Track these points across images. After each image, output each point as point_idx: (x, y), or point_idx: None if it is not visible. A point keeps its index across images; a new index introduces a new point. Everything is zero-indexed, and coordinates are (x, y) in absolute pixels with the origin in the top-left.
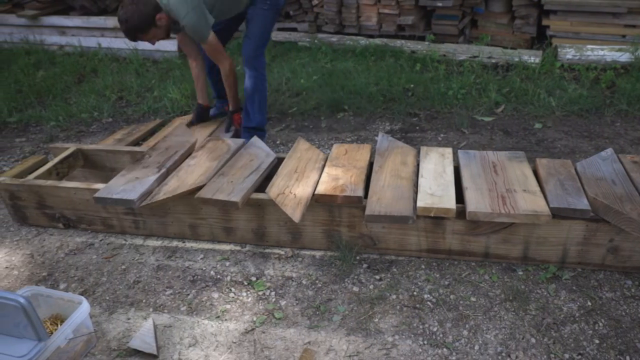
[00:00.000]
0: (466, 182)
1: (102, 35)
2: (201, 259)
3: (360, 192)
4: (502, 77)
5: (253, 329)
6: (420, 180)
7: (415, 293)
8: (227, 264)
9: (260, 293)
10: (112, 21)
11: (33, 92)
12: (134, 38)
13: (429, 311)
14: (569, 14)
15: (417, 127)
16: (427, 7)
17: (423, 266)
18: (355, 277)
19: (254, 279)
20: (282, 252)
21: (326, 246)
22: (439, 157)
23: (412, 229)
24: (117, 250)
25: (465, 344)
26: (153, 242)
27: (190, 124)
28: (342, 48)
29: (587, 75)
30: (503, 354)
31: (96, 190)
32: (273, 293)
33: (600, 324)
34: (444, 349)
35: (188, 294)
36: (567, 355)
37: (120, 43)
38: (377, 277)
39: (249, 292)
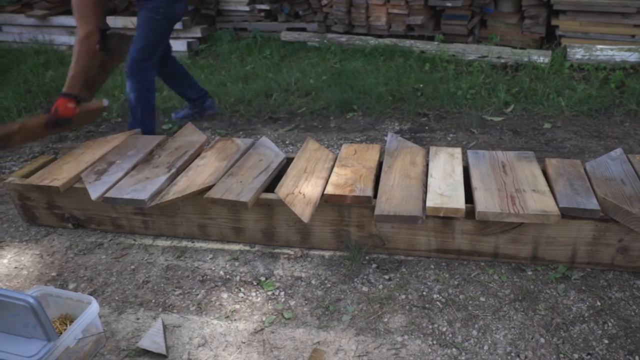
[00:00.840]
0: (475, 182)
1: None
2: (210, 259)
3: (369, 192)
4: (511, 77)
5: (262, 329)
6: (430, 180)
7: (424, 293)
8: (237, 264)
9: (270, 293)
10: (121, 21)
11: (42, 92)
12: None
13: (438, 311)
14: (578, 14)
15: (427, 127)
16: (436, 7)
17: (432, 266)
18: (365, 277)
19: (263, 279)
20: (292, 252)
21: (335, 246)
22: (448, 157)
23: (422, 229)
24: (126, 250)
25: (474, 344)
26: (162, 242)
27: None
28: (352, 48)
29: (596, 75)
30: (512, 354)
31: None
32: (282, 293)
33: (610, 324)
34: (453, 349)
35: (197, 294)
36: (576, 355)
37: None
38: (387, 277)
39: (258, 292)
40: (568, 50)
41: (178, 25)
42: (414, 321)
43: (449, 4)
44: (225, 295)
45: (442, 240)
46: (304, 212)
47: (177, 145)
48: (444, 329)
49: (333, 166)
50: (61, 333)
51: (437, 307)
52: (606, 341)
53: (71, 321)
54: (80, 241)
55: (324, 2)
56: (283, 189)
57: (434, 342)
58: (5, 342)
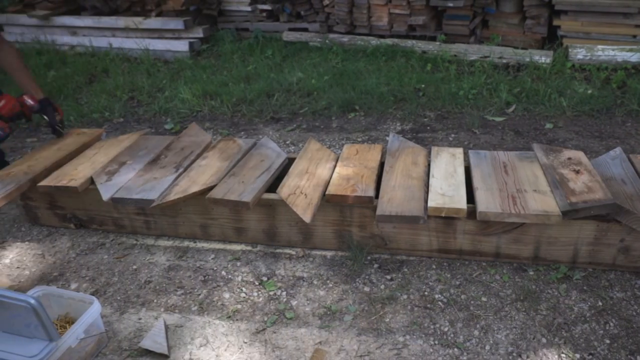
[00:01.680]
0: (477, 182)
1: (113, 36)
2: (212, 259)
3: (371, 192)
4: (513, 77)
5: (264, 329)
6: (431, 181)
7: (426, 293)
8: (238, 264)
9: (272, 293)
10: (123, 21)
11: (44, 92)
12: None
13: (440, 311)
14: (580, 14)
15: (428, 127)
16: (438, 7)
17: (434, 266)
18: (366, 277)
19: (265, 279)
20: (293, 252)
21: (337, 246)
22: (449, 157)
23: (423, 229)
24: (128, 250)
25: (476, 344)
26: (164, 242)
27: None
28: (353, 48)
29: (597, 76)
30: (514, 354)
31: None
32: (284, 293)
33: (611, 324)
34: (455, 349)
35: (199, 294)
36: (578, 355)
37: (132, 43)
38: (388, 277)
39: (260, 292)
40: (570, 50)
41: (180, 26)
42: (416, 321)
43: (450, 4)
44: (227, 295)
45: (443, 241)
46: (306, 213)
47: (183, 146)
48: (446, 329)
49: (335, 166)
50: (63, 333)
51: (438, 307)
52: (608, 341)
53: (73, 321)
54: (82, 241)
55: (325, 2)
56: (285, 189)
57: (436, 342)
58: (8, 342)
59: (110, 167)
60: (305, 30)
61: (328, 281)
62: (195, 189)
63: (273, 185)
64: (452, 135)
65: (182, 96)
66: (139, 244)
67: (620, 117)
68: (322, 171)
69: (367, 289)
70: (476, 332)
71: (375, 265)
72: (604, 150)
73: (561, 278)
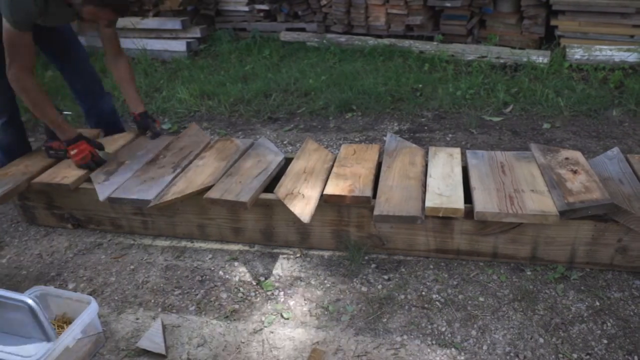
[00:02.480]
0: (474, 182)
1: None
2: (210, 259)
3: (368, 193)
4: (510, 77)
5: (262, 329)
6: (429, 181)
7: (423, 293)
8: (236, 264)
9: (269, 293)
10: (120, 21)
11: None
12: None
13: (438, 311)
14: (578, 14)
15: (426, 127)
16: (435, 7)
17: (431, 266)
18: (364, 277)
19: (262, 279)
20: (291, 252)
21: (334, 246)
22: (447, 157)
23: (421, 229)
24: (125, 250)
25: (473, 343)
26: (161, 242)
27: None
28: (351, 48)
29: (595, 75)
30: (511, 354)
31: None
32: (282, 293)
33: (609, 324)
34: (453, 349)
35: (197, 294)
36: (575, 355)
37: (129, 43)
38: (386, 277)
39: (257, 292)
40: (567, 50)
41: (177, 26)
42: (413, 321)
43: (448, 4)
44: (224, 295)
45: (441, 241)
46: (304, 213)
47: (182, 146)
48: (443, 329)
49: (332, 166)
50: (60, 333)
51: (436, 307)
52: (605, 341)
53: (70, 321)
54: (79, 241)
55: (323, 2)
56: (282, 190)
57: (433, 342)
58: (5, 342)
59: (109, 166)
60: (303, 30)
61: (325, 281)
62: (192, 189)
63: (271, 185)
64: (450, 135)
65: (179, 96)
66: (136, 244)
67: (617, 117)
68: (320, 171)
69: (364, 289)
70: (473, 332)
71: (373, 265)
72: (601, 150)
73: (559, 278)
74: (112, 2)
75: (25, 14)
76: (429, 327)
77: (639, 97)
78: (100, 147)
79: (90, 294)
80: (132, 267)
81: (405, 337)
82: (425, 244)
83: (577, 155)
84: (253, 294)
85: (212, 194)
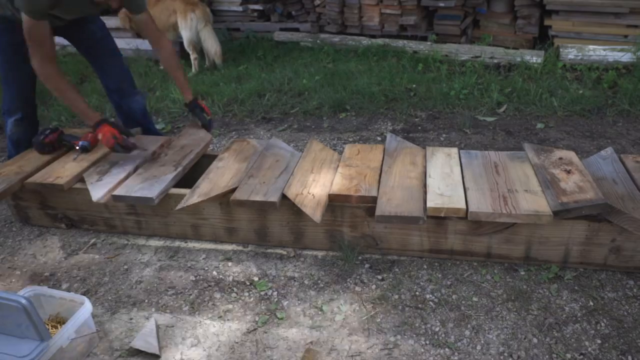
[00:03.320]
0: (468, 182)
1: None
2: (203, 259)
3: (374, 192)
4: (504, 77)
5: (255, 329)
6: (429, 181)
7: (417, 293)
8: (230, 264)
9: (263, 293)
10: (114, 21)
11: (36, 92)
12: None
13: (431, 311)
14: (571, 14)
15: (419, 128)
16: (429, 7)
17: (425, 266)
18: (358, 277)
19: (256, 279)
20: (284, 252)
21: (328, 246)
22: (445, 157)
23: (415, 229)
24: (119, 250)
25: (467, 344)
26: (155, 242)
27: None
28: (345, 48)
29: (589, 75)
30: (505, 354)
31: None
32: (275, 293)
33: (602, 324)
34: (446, 349)
35: (190, 294)
36: (569, 355)
37: (123, 43)
38: (379, 277)
39: (251, 292)
40: (561, 50)
41: None
42: (407, 321)
43: (441, 4)
44: (218, 295)
45: (435, 241)
46: (315, 213)
47: (183, 144)
48: (437, 329)
49: (338, 166)
50: (54, 333)
51: (430, 307)
52: (599, 341)
53: (64, 321)
54: (73, 241)
55: (317, 2)
56: (292, 190)
57: (427, 342)
58: None
59: (102, 166)
60: (297, 30)
61: (319, 281)
62: (217, 191)
63: None
64: (444, 136)
65: (173, 96)
66: (130, 244)
67: (611, 117)
68: (327, 171)
69: (358, 289)
70: (467, 332)
71: (367, 265)
72: (595, 150)
73: (552, 278)
74: None
75: (38, 1)
76: (423, 327)
77: (633, 97)
78: (126, 133)
79: (83, 294)
80: (125, 267)
81: (398, 337)
82: (419, 244)
83: (571, 155)
84: (247, 294)
85: (239, 196)
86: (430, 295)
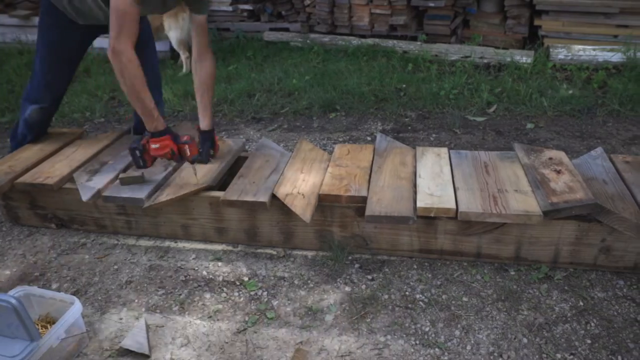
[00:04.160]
0: (458, 182)
1: None
2: (193, 259)
3: (364, 192)
4: (494, 77)
5: (245, 329)
6: (419, 181)
7: (407, 293)
8: (219, 264)
9: (252, 293)
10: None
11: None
12: None
13: (421, 311)
14: (561, 14)
15: (409, 127)
16: (419, 7)
17: (415, 266)
18: (347, 277)
19: (246, 279)
20: (274, 252)
21: (318, 246)
22: (435, 157)
23: (405, 229)
24: (109, 250)
25: (457, 344)
26: (145, 242)
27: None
28: (334, 48)
29: (579, 76)
30: (495, 354)
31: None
32: (265, 293)
33: (592, 324)
34: (436, 349)
35: (180, 294)
36: (559, 355)
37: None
38: (369, 277)
39: (241, 292)
40: (551, 50)
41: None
42: (397, 321)
43: (431, 4)
44: (208, 295)
45: (424, 241)
46: (305, 213)
47: None
48: (427, 329)
49: (328, 166)
50: (44, 333)
51: (419, 307)
52: (589, 341)
53: (54, 321)
54: (63, 241)
55: (306, 2)
56: (282, 190)
57: (417, 342)
58: None
59: (91, 166)
60: (287, 30)
61: (309, 281)
62: (188, 189)
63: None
64: (433, 135)
65: (163, 96)
66: (120, 244)
67: (601, 117)
68: (317, 171)
69: (348, 289)
70: (457, 332)
71: (356, 265)
72: (585, 150)
73: (542, 278)
74: None
75: None
76: (413, 327)
77: (623, 97)
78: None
79: (73, 294)
80: (115, 267)
81: (388, 337)
82: (409, 244)
83: (561, 155)
84: (237, 294)
85: (229, 196)
86: (420, 295)
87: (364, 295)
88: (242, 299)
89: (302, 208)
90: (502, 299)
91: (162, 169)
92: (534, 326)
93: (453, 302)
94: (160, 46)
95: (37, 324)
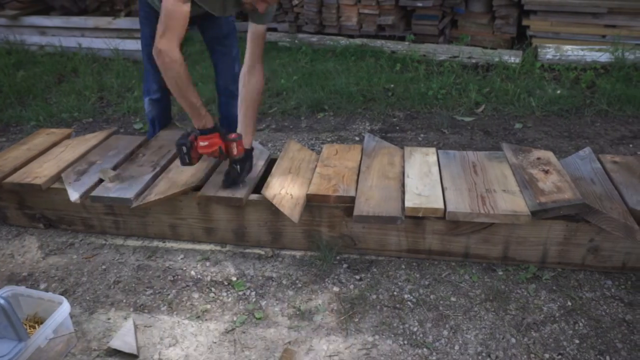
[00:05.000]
0: (446, 182)
1: (82, 35)
2: (181, 259)
3: (352, 192)
4: (482, 77)
5: (233, 329)
6: (407, 181)
7: (395, 293)
8: (208, 264)
9: (241, 293)
10: (92, 21)
11: (13, 92)
12: None
13: (409, 311)
14: (549, 14)
15: (397, 127)
16: (407, 7)
17: (403, 266)
18: (336, 277)
19: (234, 279)
20: (262, 252)
21: (306, 246)
22: (423, 157)
23: (393, 229)
24: (97, 250)
25: (445, 343)
26: (133, 242)
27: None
28: (323, 48)
29: (567, 75)
30: (483, 354)
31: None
32: (253, 293)
33: (581, 324)
34: (424, 349)
35: (168, 294)
36: (547, 355)
37: (101, 43)
38: (357, 277)
39: (229, 292)
40: (539, 50)
41: None
42: (385, 321)
43: (419, 4)
44: (196, 295)
45: (413, 241)
46: (293, 213)
47: (160, 145)
48: (415, 329)
49: (317, 166)
50: (32, 333)
51: (408, 307)
52: (577, 341)
53: (42, 321)
54: (51, 241)
55: (294, 2)
56: (270, 190)
57: (405, 342)
58: None
59: (80, 166)
60: (274, 30)
61: (297, 281)
62: (175, 189)
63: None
64: (422, 135)
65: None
66: (108, 243)
67: (589, 117)
68: (306, 171)
69: (336, 289)
70: (445, 332)
71: (345, 265)
72: (573, 150)
73: (530, 278)
74: None
75: None
76: (401, 327)
77: (611, 97)
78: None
79: (61, 294)
80: (103, 267)
81: (377, 337)
82: (397, 244)
83: (549, 155)
84: (225, 294)
85: (207, 192)
86: (409, 295)
87: (352, 295)
88: (230, 299)
89: (291, 208)
90: (490, 299)
91: (149, 169)
92: (522, 326)
93: (441, 302)
94: None
95: (25, 324)
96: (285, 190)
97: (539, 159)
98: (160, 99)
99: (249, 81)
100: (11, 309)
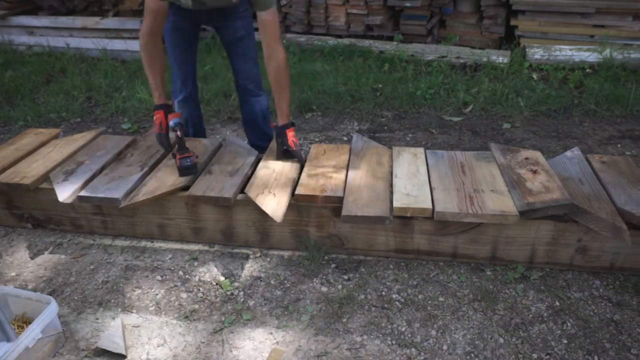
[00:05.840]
0: (434, 182)
1: (71, 35)
2: (170, 259)
3: (340, 193)
4: (470, 77)
5: (221, 329)
6: (395, 181)
7: (383, 293)
8: (196, 264)
9: (229, 293)
10: (80, 21)
11: (1, 92)
12: None
13: (397, 311)
14: (537, 14)
15: (386, 127)
16: (395, 7)
17: (391, 266)
18: (324, 277)
19: (222, 279)
20: (251, 252)
21: (294, 246)
22: (411, 157)
23: (381, 229)
24: (85, 250)
25: (433, 343)
26: (121, 242)
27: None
28: (311, 48)
29: (555, 75)
30: (471, 354)
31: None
32: (241, 293)
33: (569, 323)
34: (412, 349)
35: (156, 294)
36: (535, 355)
37: (89, 43)
38: (346, 277)
39: (217, 292)
40: (527, 50)
41: (137, 25)
42: (373, 321)
43: (407, 4)
44: (184, 295)
45: (401, 240)
46: (276, 212)
47: (149, 145)
48: (403, 329)
49: (303, 166)
50: (20, 333)
51: (396, 307)
52: (565, 341)
53: (30, 321)
54: (39, 241)
55: (283, 2)
56: (253, 189)
57: (393, 342)
58: None
59: (68, 166)
60: None
61: (285, 281)
62: (163, 189)
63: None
64: (410, 135)
65: (139, 96)
66: (96, 243)
67: (577, 117)
68: (290, 170)
69: (324, 289)
70: (433, 332)
71: (333, 265)
72: (561, 150)
73: (518, 278)
74: None
75: None
76: (389, 327)
77: (599, 97)
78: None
79: (50, 294)
80: (92, 267)
81: (365, 337)
82: (385, 244)
83: (537, 155)
84: (213, 294)
85: (195, 191)
86: (397, 295)
87: (340, 295)
88: (218, 299)
89: (273, 208)
90: (478, 299)
91: (138, 168)
92: (510, 326)
93: (429, 302)
94: (138, 46)
95: (14, 324)
96: (269, 190)
97: (527, 159)
98: (186, 99)
99: (270, 65)
100: None
